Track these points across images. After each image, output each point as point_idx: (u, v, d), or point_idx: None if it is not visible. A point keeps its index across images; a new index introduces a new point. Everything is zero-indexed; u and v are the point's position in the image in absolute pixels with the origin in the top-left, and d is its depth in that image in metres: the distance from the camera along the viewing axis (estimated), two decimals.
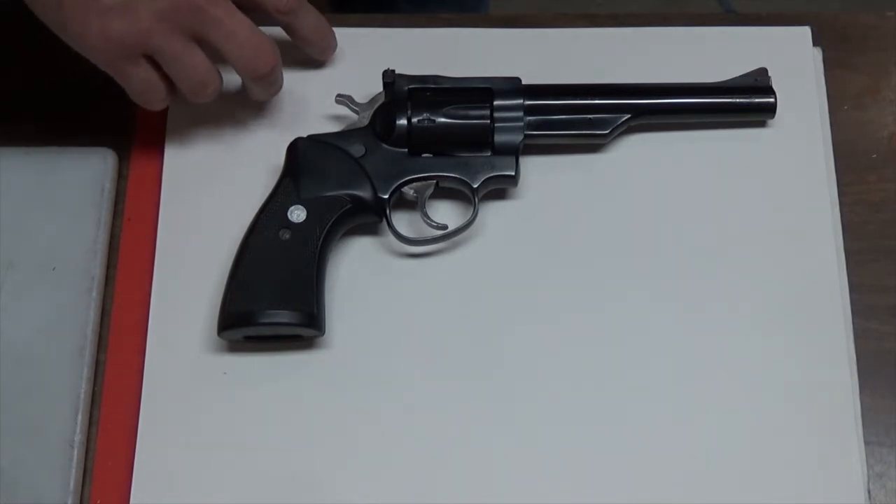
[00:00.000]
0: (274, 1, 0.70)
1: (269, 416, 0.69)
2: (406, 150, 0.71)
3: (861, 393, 0.70)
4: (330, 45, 0.76)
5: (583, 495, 0.67)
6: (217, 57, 0.69)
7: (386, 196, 0.71)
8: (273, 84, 0.71)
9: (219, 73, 0.69)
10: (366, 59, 0.76)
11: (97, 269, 0.72)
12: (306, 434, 0.68)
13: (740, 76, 0.75)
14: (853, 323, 0.71)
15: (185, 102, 0.70)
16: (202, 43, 0.67)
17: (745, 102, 0.74)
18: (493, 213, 0.74)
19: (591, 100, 0.73)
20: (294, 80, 0.76)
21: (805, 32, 0.78)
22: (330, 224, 0.69)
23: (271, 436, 0.68)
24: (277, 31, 0.73)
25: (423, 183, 0.72)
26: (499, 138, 0.71)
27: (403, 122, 0.71)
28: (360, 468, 0.68)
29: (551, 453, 0.68)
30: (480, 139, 0.71)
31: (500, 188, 0.73)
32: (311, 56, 0.76)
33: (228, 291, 0.68)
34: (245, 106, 0.76)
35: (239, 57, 0.68)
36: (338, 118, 0.75)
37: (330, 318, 0.70)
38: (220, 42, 0.67)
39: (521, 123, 0.72)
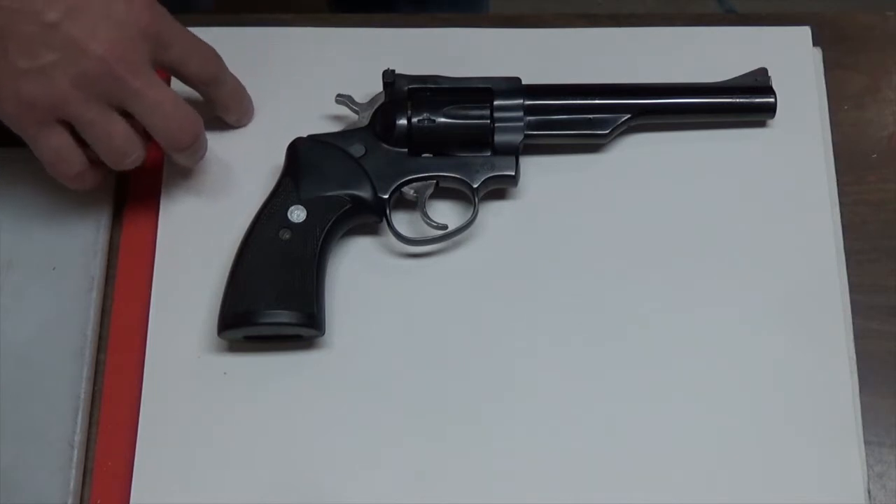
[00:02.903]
0: (195, 71, 0.69)
1: (269, 416, 0.69)
2: (406, 150, 0.71)
3: (861, 393, 0.70)
4: (247, 113, 0.75)
5: (581, 495, 0.67)
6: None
7: (386, 196, 0.71)
8: (195, 153, 0.69)
9: (142, 141, 0.67)
10: (366, 59, 0.76)
11: (97, 269, 0.72)
12: (306, 434, 0.68)
13: (740, 76, 0.75)
14: (853, 323, 0.71)
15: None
16: (124, 111, 0.65)
17: (745, 102, 0.74)
18: (493, 213, 0.74)
19: (591, 100, 0.73)
20: (294, 80, 0.77)
21: (805, 32, 0.78)
22: (330, 224, 0.69)
23: (271, 436, 0.68)
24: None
25: (423, 183, 0.72)
26: (499, 138, 0.71)
27: (403, 122, 0.71)
28: (359, 468, 0.68)
29: (551, 452, 0.68)
30: (480, 139, 0.71)
31: (500, 188, 0.73)
32: (227, 121, 0.74)
33: (228, 291, 0.68)
34: None
35: (160, 129, 0.66)
36: (338, 118, 0.75)
37: (330, 318, 0.70)
38: (141, 113, 0.65)
39: (521, 123, 0.72)
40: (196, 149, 0.69)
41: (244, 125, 0.75)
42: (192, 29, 0.77)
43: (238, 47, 0.77)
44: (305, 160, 0.71)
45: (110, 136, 0.65)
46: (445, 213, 0.74)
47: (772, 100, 0.74)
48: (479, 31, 0.79)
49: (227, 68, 0.71)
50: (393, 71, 0.72)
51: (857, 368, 0.70)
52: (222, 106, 0.73)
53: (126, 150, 0.66)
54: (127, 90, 0.64)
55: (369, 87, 0.74)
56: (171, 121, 0.66)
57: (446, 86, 0.72)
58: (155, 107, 0.65)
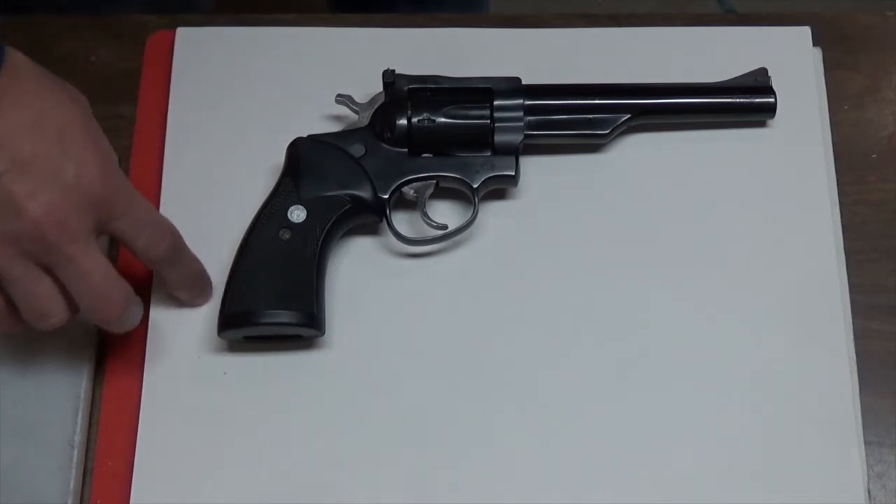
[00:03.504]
0: (143, 248, 0.64)
1: (269, 416, 0.69)
2: (406, 150, 0.71)
3: (861, 393, 0.70)
4: (201, 296, 0.71)
5: (582, 495, 0.67)
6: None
7: (386, 196, 0.71)
8: (122, 326, 0.64)
9: (66, 305, 0.62)
10: (366, 59, 0.76)
11: None
12: (306, 434, 0.68)
13: (740, 76, 0.75)
14: (853, 323, 0.71)
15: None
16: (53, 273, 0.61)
17: (745, 102, 0.74)
18: (493, 213, 0.74)
19: (591, 100, 0.73)
20: (293, 80, 0.77)
21: (805, 32, 0.78)
22: (330, 224, 0.69)
23: (271, 436, 0.68)
24: None
25: (423, 183, 0.72)
26: (499, 138, 0.71)
27: (403, 122, 0.71)
28: (359, 468, 0.68)
29: (551, 452, 0.68)
30: (480, 139, 0.71)
31: (500, 188, 0.73)
32: (180, 300, 0.71)
33: (228, 291, 0.68)
34: (245, 106, 0.76)
35: (84, 299, 0.62)
36: (338, 118, 0.75)
37: (330, 318, 0.70)
38: (68, 280, 0.61)
39: (521, 123, 0.72)
40: (122, 323, 0.64)
41: (197, 306, 0.71)
42: (191, 29, 0.78)
43: (238, 47, 0.78)
44: (305, 160, 0.71)
45: (33, 295, 0.61)
46: (445, 213, 0.74)
47: (772, 100, 0.74)
48: (479, 31, 0.79)
49: (185, 250, 0.67)
50: (393, 71, 0.72)
51: (857, 368, 0.70)
52: (174, 288, 0.69)
53: (47, 312, 0.62)
54: (57, 255, 0.60)
55: (369, 87, 0.74)
56: (97, 292, 0.62)
57: (446, 86, 0.72)
58: (83, 276, 0.61)
